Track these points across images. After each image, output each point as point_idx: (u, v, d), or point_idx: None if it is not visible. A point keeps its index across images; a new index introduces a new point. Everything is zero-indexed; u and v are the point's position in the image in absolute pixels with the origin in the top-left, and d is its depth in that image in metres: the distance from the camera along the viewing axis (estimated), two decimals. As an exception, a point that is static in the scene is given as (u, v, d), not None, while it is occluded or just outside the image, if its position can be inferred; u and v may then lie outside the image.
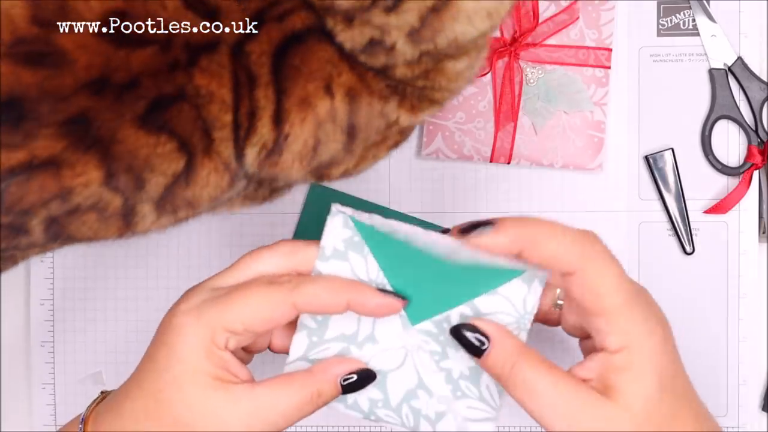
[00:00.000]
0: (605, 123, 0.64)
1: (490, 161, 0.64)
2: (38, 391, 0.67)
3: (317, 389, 0.52)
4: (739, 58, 0.64)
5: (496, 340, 0.50)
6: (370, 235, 0.52)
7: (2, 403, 0.67)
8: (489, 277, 0.51)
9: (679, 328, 0.65)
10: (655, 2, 0.65)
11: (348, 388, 0.54)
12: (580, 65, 0.64)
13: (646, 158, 0.65)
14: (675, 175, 0.64)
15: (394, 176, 0.65)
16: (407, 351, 0.53)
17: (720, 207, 0.64)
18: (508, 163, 0.64)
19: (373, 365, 0.54)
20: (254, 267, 0.52)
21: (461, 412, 0.53)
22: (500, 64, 0.63)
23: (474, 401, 0.53)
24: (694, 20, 0.64)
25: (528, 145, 0.64)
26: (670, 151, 0.64)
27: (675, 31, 0.65)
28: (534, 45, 0.63)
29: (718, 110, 0.64)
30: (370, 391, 0.54)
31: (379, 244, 0.52)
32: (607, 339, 0.48)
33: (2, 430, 0.68)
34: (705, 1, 0.64)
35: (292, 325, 0.53)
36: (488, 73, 0.63)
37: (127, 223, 0.49)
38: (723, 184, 0.65)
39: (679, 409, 0.49)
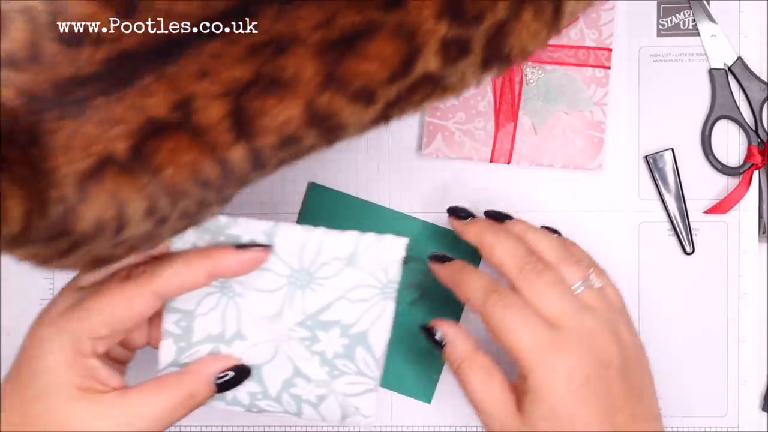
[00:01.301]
0: (605, 123, 0.64)
1: (490, 161, 0.64)
2: (38, 391, 0.67)
3: (189, 391, 0.53)
4: (739, 58, 0.64)
5: (450, 340, 0.56)
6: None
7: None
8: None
9: (679, 328, 0.65)
10: (655, 2, 0.65)
11: (224, 386, 0.54)
12: (580, 65, 0.64)
13: (646, 158, 0.64)
14: (675, 175, 0.64)
15: (394, 176, 0.65)
16: (277, 342, 0.55)
17: (720, 207, 0.64)
18: (508, 163, 0.64)
19: (246, 360, 0.55)
20: None
21: (341, 390, 0.55)
22: (500, 64, 0.63)
23: (352, 376, 0.55)
24: (694, 20, 0.64)
25: (528, 145, 0.64)
26: (670, 151, 0.64)
27: (675, 31, 0.65)
28: (534, 45, 0.63)
29: (718, 110, 0.64)
30: (247, 386, 0.55)
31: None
32: (515, 364, 0.54)
33: (3, 430, 0.67)
34: (705, 1, 0.64)
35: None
36: (488, 73, 0.63)
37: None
38: (723, 184, 0.65)
39: None
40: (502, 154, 0.64)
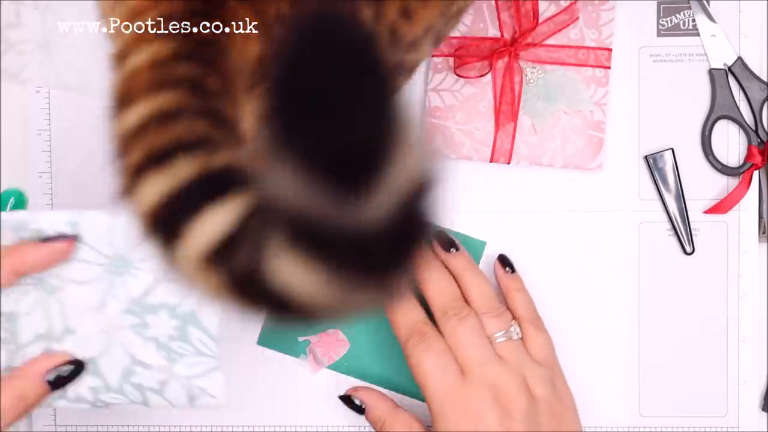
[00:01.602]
0: (605, 123, 0.64)
1: (490, 161, 0.64)
2: (38, 391, 0.67)
3: (18, 393, 0.52)
4: (739, 58, 0.64)
5: (369, 405, 0.61)
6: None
7: (2, 403, 0.67)
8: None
9: (679, 329, 0.65)
10: (655, 2, 0.64)
11: (59, 383, 0.53)
12: (580, 65, 0.63)
13: (646, 158, 0.64)
14: (675, 175, 0.64)
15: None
16: (108, 333, 0.53)
17: (720, 207, 0.64)
18: (508, 163, 0.64)
19: (80, 355, 0.53)
20: None
21: (182, 373, 0.54)
22: (500, 64, 0.63)
23: (191, 358, 0.54)
24: (694, 20, 0.64)
25: (528, 145, 0.64)
26: (670, 151, 0.64)
27: (675, 31, 0.65)
28: (534, 45, 0.63)
29: (718, 110, 0.64)
30: (87, 380, 0.54)
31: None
32: (428, 405, 0.58)
33: (2, 430, 0.67)
34: (705, 1, 0.64)
35: None
36: (488, 73, 0.63)
37: None
38: (723, 184, 0.65)
39: None
40: (502, 154, 0.64)
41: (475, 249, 0.64)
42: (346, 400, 0.63)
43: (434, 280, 0.60)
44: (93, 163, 0.66)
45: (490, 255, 0.65)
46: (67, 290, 0.54)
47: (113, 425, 0.66)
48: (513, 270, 0.63)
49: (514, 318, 0.61)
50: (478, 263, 0.64)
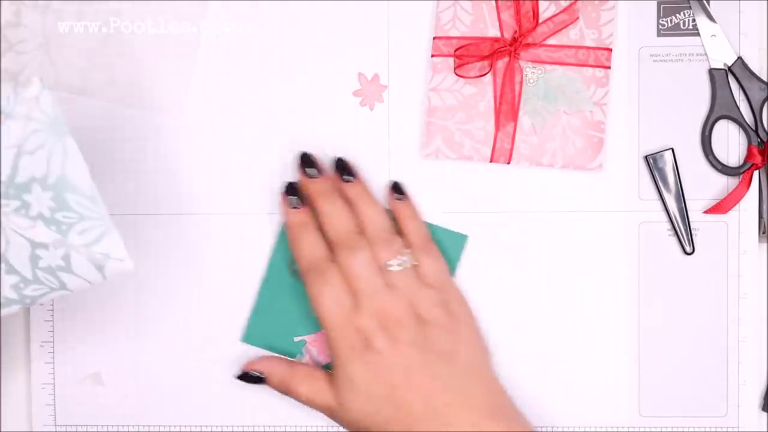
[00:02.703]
0: (605, 123, 0.64)
1: (490, 161, 0.64)
2: (38, 391, 0.67)
3: None
4: (739, 58, 0.64)
5: (266, 372, 0.63)
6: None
7: (2, 403, 0.67)
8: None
9: (679, 329, 0.65)
10: (655, 2, 0.64)
11: None
12: (580, 65, 0.64)
13: (646, 158, 0.64)
14: (675, 175, 0.64)
15: (394, 176, 0.65)
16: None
17: (720, 207, 0.64)
18: (508, 163, 0.64)
19: None
20: None
21: (78, 242, 0.52)
22: (500, 64, 0.63)
23: (79, 224, 0.52)
24: (694, 20, 0.64)
25: (528, 145, 0.64)
26: (670, 151, 0.64)
27: (675, 31, 0.65)
28: (534, 45, 0.63)
29: (718, 110, 0.64)
30: (7, 280, 0.53)
31: None
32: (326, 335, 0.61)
33: (2, 430, 0.68)
34: (705, 1, 0.64)
35: None
36: (488, 73, 0.63)
37: None
38: (723, 184, 0.65)
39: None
40: (502, 154, 0.64)
41: (457, 242, 0.64)
42: (245, 377, 0.64)
43: (329, 213, 0.62)
44: (93, 163, 0.66)
45: (474, 250, 0.65)
46: None
47: (113, 425, 0.66)
48: (404, 196, 0.64)
49: (406, 245, 0.62)
50: (459, 257, 0.64)
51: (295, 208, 0.63)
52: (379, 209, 0.63)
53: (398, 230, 0.63)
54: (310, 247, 0.62)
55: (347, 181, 0.63)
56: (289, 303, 0.65)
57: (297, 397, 0.62)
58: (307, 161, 0.64)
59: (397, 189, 0.64)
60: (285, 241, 0.64)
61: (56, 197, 0.51)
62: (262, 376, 0.63)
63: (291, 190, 0.63)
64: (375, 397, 0.59)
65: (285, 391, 0.63)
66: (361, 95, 0.65)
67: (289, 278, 0.65)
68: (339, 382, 0.60)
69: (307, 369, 0.63)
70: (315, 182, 0.63)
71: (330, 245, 0.62)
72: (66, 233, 0.52)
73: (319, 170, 0.63)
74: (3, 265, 0.52)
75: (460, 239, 0.65)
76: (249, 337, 0.65)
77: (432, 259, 0.62)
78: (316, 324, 0.63)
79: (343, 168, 0.64)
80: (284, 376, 0.63)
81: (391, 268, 0.61)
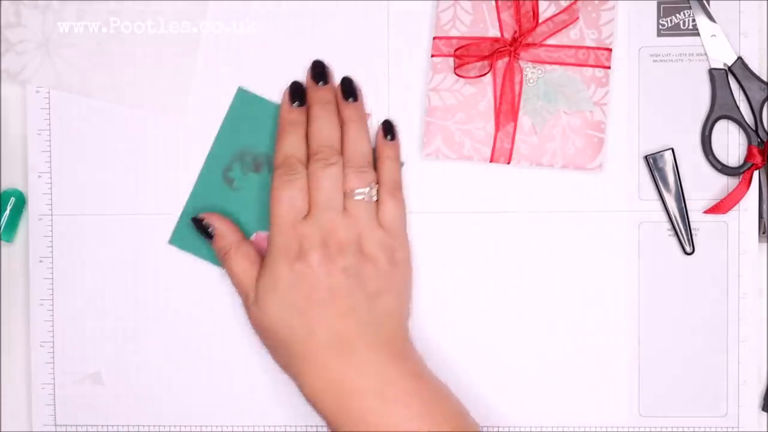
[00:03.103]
0: (605, 123, 0.64)
1: (490, 161, 0.64)
2: (38, 391, 0.67)
3: None
4: (739, 58, 0.64)
5: (219, 232, 0.63)
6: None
7: (2, 403, 0.67)
8: None
9: (679, 329, 0.65)
10: (655, 2, 0.64)
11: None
12: (580, 65, 0.64)
13: (646, 158, 0.64)
14: (675, 175, 0.64)
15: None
16: None
17: (720, 207, 0.64)
18: (508, 163, 0.64)
19: None
20: None
21: None
22: (500, 64, 0.63)
23: None
24: (694, 20, 0.64)
25: (528, 145, 0.64)
26: (670, 151, 0.64)
27: (675, 31, 0.65)
28: (534, 45, 0.63)
29: (718, 110, 0.64)
30: None
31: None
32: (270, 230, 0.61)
33: (2, 430, 0.67)
34: (705, 1, 0.64)
35: None
36: (488, 73, 0.63)
37: None
38: (723, 184, 0.65)
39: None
40: (502, 154, 0.64)
41: None
42: (197, 222, 0.64)
43: (319, 121, 0.62)
44: (92, 162, 0.66)
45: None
46: None
47: (113, 425, 0.66)
48: (393, 138, 0.64)
49: (376, 182, 0.63)
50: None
51: (292, 106, 0.63)
52: (366, 138, 0.63)
53: (375, 166, 0.64)
54: (291, 146, 0.62)
55: (347, 101, 0.64)
56: (221, 207, 0.65)
57: (228, 269, 0.63)
58: (318, 71, 0.64)
59: (388, 129, 0.65)
60: (224, 146, 0.65)
61: None
62: (212, 232, 0.63)
63: (295, 89, 0.64)
64: (290, 306, 0.60)
65: (222, 257, 0.63)
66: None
67: (222, 182, 0.65)
68: (263, 280, 0.61)
69: (252, 252, 0.63)
70: (318, 89, 0.64)
71: (309, 153, 0.62)
72: None
73: (326, 82, 0.64)
74: None
75: None
76: (176, 240, 0.65)
77: (394, 203, 0.63)
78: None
79: (347, 88, 0.64)
80: (229, 243, 0.63)
81: (355, 197, 0.61)
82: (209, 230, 0.63)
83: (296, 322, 0.60)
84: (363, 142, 0.63)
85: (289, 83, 0.64)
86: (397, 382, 0.59)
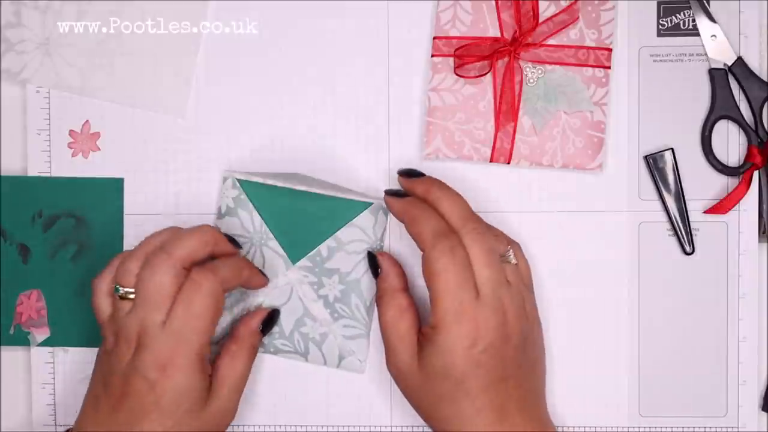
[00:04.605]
0: (605, 123, 0.64)
1: (490, 161, 0.64)
2: (38, 391, 0.67)
3: (249, 346, 0.62)
4: (739, 58, 0.64)
5: (384, 272, 0.62)
6: (253, 193, 0.64)
7: (2, 403, 0.67)
8: (345, 213, 0.64)
9: (679, 328, 0.65)
10: (655, 2, 0.65)
11: (265, 330, 0.63)
12: (580, 65, 0.64)
13: (646, 158, 0.64)
14: (675, 175, 0.64)
15: (395, 176, 0.65)
16: (292, 285, 0.64)
17: (720, 207, 0.64)
18: (508, 163, 0.64)
19: (268, 303, 0.64)
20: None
21: (339, 332, 0.64)
22: (500, 64, 0.63)
23: (347, 320, 0.64)
24: (694, 20, 0.64)
25: (528, 145, 0.64)
26: (670, 151, 0.64)
27: (675, 31, 0.65)
28: (534, 45, 0.63)
29: (718, 110, 0.64)
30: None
31: (260, 198, 0.64)
32: (432, 310, 0.58)
33: (2, 430, 0.68)
34: (705, 1, 0.64)
35: None
36: (488, 73, 0.63)
37: None
38: (723, 184, 0.65)
39: (445, 394, 0.57)
40: (502, 154, 0.64)
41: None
42: (371, 257, 0.63)
43: (447, 196, 0.59)
44: (91, 162, 0.66)
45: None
46: (271, 244, 0.64)
47: (113, 425, 0.66)
48: (421, 175, 0.62)
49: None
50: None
51: (398, 197, 0.61)
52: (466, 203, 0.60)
53: (439, 213, 0.60)
54: (432, 219, 0.58)
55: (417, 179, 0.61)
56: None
57: (378, 312, 0.61)
58: (408, 173, 0.62)
59: (409, 173, 0.62)
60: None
61: (345, 292, 0.64)
62: (380, 270, 0.62)
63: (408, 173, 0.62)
64: (458, 378, 0.57)
65: (378, 300, 0.61)
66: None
67: None
68: (432, 355, 0.57)
69: (405, 302, 0.60)
70: (420, 181, 0.61)
71: (452, 225, 0.59)
72: (336, 320, 0.64)
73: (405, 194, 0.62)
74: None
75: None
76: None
77: (524, 258, 0.62)
78: None
79: (407, 172, 0.62)
80: (385, 291, 0.61)
81: (507, 262, 0.59)
82: (377, 269, 0.62)
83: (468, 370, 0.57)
84: (468, 206, 0.60)
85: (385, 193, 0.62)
86: None
